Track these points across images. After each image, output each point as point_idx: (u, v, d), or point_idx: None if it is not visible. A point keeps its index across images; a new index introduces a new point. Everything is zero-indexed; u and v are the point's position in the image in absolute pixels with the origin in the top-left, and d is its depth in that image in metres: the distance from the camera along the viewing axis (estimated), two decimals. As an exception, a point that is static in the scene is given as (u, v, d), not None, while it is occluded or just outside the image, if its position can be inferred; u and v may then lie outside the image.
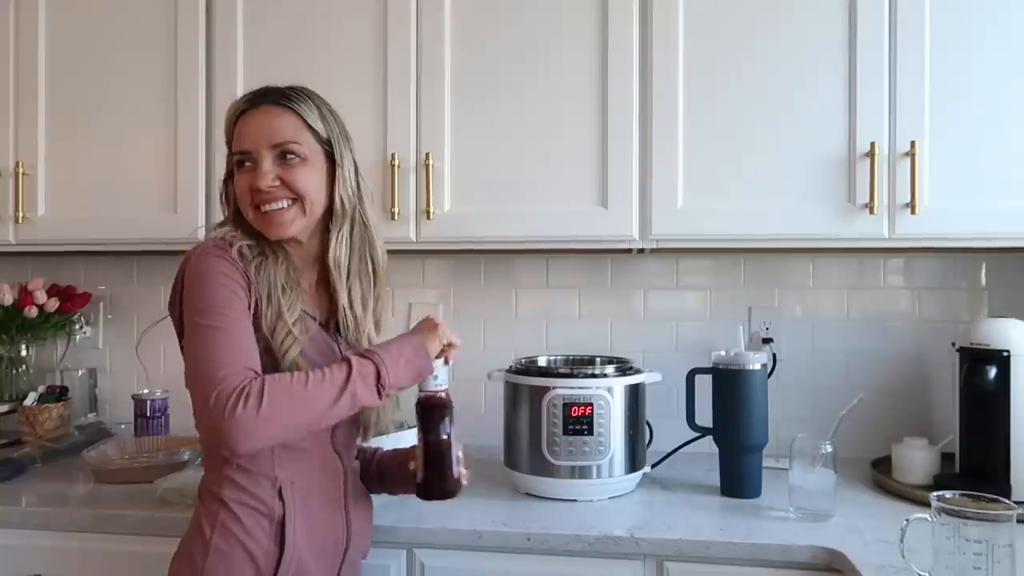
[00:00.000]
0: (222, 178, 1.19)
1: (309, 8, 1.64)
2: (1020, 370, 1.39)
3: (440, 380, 1.14)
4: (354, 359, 1.04)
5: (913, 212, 1.44)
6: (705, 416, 1.53)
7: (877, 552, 1.17)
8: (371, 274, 1.21)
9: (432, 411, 1.13)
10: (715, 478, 1.51)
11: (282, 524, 1.06)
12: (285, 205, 1.11)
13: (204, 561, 1.03)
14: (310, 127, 1.12)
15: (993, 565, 0.99)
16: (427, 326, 1.14)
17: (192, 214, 1.67)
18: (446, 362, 1.15)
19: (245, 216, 1.14)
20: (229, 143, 1.15)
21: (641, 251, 1.65)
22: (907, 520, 1.08)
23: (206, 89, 1.68)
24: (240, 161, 1.12)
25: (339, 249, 1.16)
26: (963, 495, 1.05)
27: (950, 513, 1.02)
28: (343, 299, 1.17)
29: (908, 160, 1.45)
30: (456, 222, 1.58)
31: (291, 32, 1.65)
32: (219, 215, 1.64)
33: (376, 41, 1.61)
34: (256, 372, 0.99)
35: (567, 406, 1.44)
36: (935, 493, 1.05)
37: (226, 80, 1.67)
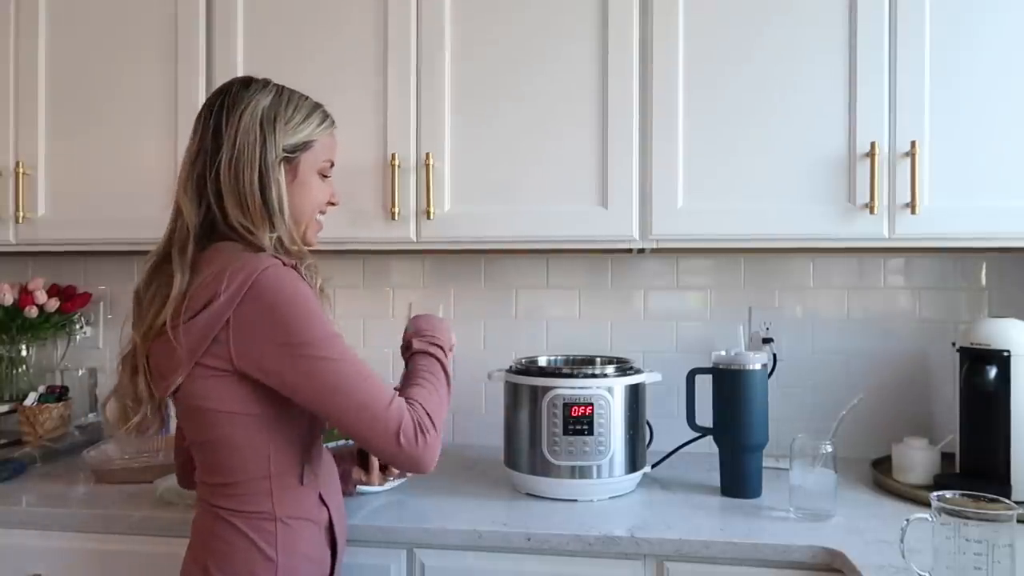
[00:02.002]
0: (258, 166, 1.07)
1: (309, 9, 1.64)
2: (1020, 370, 1.39)
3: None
4: (436, 352, 1.17)
5: (913, 212, 1.44)
6: (705, 416, 1.53)
7: (877, 552, 1.17)
8: None
9: None
10: (715, 478, 1.51)
11: (330, 528, 1.11)
12: None
13: None
14: None
15: (993, 565, 0.99)
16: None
17: (192, 214, 1.67)
18: None
19: (299, 220, 1.13)
20: (304, 143, 1.12)
21: (641, 251, 1.65)
22: (907, 520, 1.08)
23: (206, 89, 1.67)
24: (324, 171, 1.17)
25: None
26: (963, 495, 1.05)
27: (950, 513, 1.02)
28: None
29: (908, 160, 1.45)
30: (456, 222, 1.58)
31: (291, 32, 1.65)
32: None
33: (376, 42, 1.61)
34: (397, 391, 1.06)
35: (567, 406, 1.44)
36: (935, 493, 1.06)
37: (226, 80, 1.66)
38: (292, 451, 1.07)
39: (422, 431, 1.02)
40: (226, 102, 1.08)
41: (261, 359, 0.99)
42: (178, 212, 1.08)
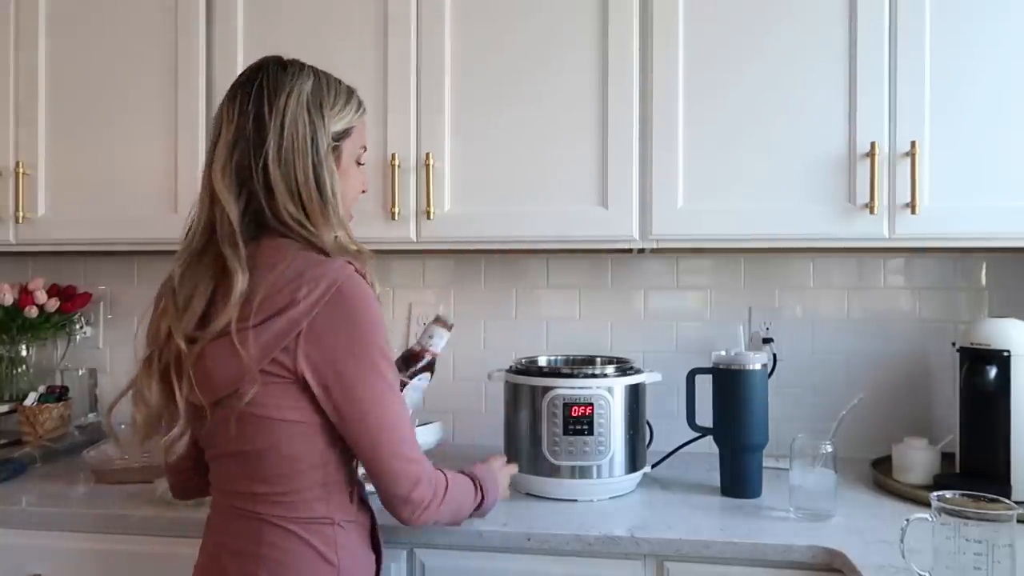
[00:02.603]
0: (311, 157, 1.01)
1: (309, 9, 1.64)
2: (1020, 370, 1.39)
3: (435, 342, 1.36)
4: (477, 487, 1.17)
5: (913, 212, 1.44)
6: (705, 416, 1.53)
7: (877, 552, 1.17)
8: None
9: (422, 362, 1.35)
10: (715, 478, 1.51)
11: (373, 531, 1.10)
12: None
13: None
14: None
15: (993, 565, 0.99)
16: (507, 472, 1.31)
17: (192, 214, 1.67)
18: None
19: (347, 202, 1.09)
20: (346, 130, 1.07)
21: (641, 251, 1.65)
22: (907, 520, 1.08)
23: (206, 88, 1.68)
24: (359, 158, 1.12)
25: None
26: (963, 495, 1.05)
27: (950, 513, 1.02)
28: None
29: (908, 160, 1.45)
30: (456, 222, 1.58)
31: (291, 32, 1.65)
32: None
33: (376, 43, 1.61)
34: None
35: (567, 406, 1.44)
36: (935, 493, 1.06)
37: (226, 79, 1.64)
38: (347, 457, 1.03)
39: (429, 504, 1.02)
40: (266, 85, 1.00)
41: (323, 367, 0.95)
42: (212, 202, 1.00)
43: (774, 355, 1.75)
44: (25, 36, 1.75)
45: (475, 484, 1.16)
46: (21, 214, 1.73)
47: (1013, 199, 1.44)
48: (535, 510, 1.39)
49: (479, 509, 1.17)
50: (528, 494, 1.48)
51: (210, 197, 1.00)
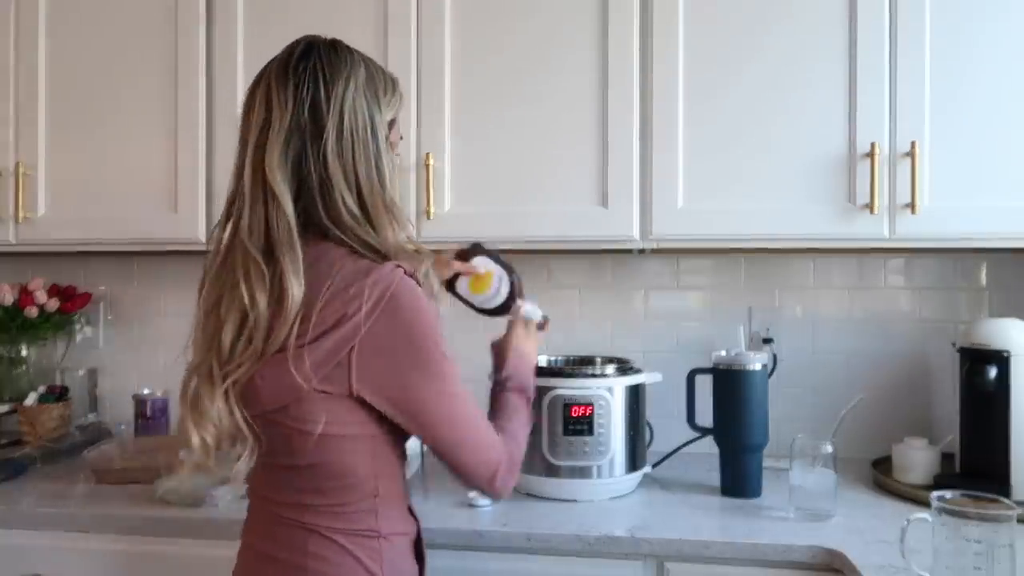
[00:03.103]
0: (373, 150, 0.94)
1: (309, 9, 1.64)
2: (1020, 370, 1.39)
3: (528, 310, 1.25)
4: (529, 394, 1.16)
5: (913, 212, 1.44)
6: (705, 416, 1.53)
7: (877, 552, 1.17)
8: None
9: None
10: (715, 478, 1.51)
11: (418, 540, 1.07)
12: None
13: None
14: None
15: (993, 565, 0.99)
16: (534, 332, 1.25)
17: (192, 214, 1.67)
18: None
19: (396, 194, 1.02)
20: (393, 119, 1.01)
21: (642, 251, 1.65)
22: (907, 520, 1.08)
23: (206, 88, 1.68)
24: (396, 148, 1.06)
25: None
26: (963, 495, 1.05)
27: (950, 513, 1.02)
28: None
29: (908, 160, 1.45)
30: (456, 222, 1.58)
31: (291, 32, 1.62)
32: (219, 215, 1.67)
33: (376, 43, 1.61)
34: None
35: (567, 406, 1.44)
36: (935, 493, 1.05)
37: (226, 79, 1.67)
38: (398, 470, 1.03)
39: (510, 473, 1.02)
40: (321, 70, 0.92)
41: (385, 383, 0.92)
42: (265, 200, 0.91)
43: (774, 355, 1.75)
44: (25, 36, 1.75)
45: (524, 398, 1.16)
46: (21, 214, 1.73)
47: (1013, 199, 1.44)
48: (535, 510, 1.39)
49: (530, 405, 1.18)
50: (528, 494, 1.48)
51: (264, 193, 0.91)
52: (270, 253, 0.91)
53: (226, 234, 0.95)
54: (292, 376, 0.88)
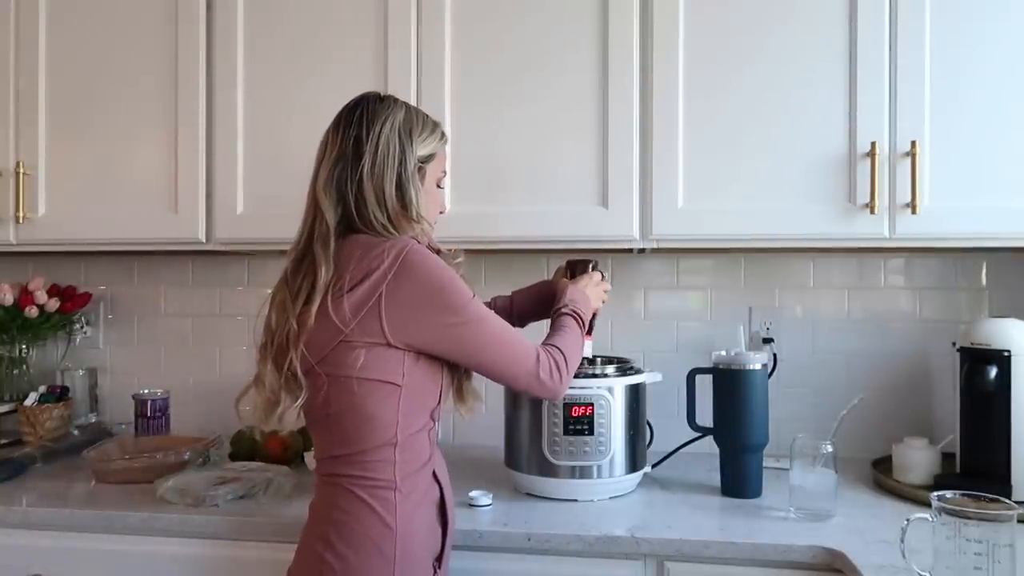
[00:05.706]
0: (397, 172, 1.17)
1: (310, 9, 1.64)
2: (1020, 370, 1.39)
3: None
4: (577, 315, 1.31)
5: (914, 212, 1.44)
6: (705, 416, 1.53)
7: (877, 552, 1.17)
8: None
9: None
10: (715, 478, 1.51)
11: (442, 505, 1.17)
12: None
13: (395, 549, 1.08)
14: None
15: (993, 565, 0.99)
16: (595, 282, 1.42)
17: (192, 214, 1.67)
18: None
19: (428, 216, 1.22)
20: (430, 155, 1.22)
21: (642, 251, 1.65)
22: (907, 520, 1.08)
23: (206, 89, 1.68)
24: (440, 180, 1.29)
25: None
26: (963, 495, 1.05)
27: (950, 513, 1.02)
28: None
29: (909, 160, 1.45)
30: (456, 222, 1.58)
31: (292, 33, 1.65)
32: (219, 215, 1.67)
33: (376, 43, 1.61)
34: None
35: (567, 406, 1.44)
36: (935, 493, 1.06)
37: (226, 80, 1.67)
38: (418, 421, 1.14)
39: (557, 368, 1.20)
40: (365, 114, 1.17)
41: (415, 329, 1.10)
42: (316, 210, 1.15)
43: (774, 355, 1.75)
44: (25, 36, 1.75)
45: (577, 322, 1.30)
46: (21, 214, 1.73)
47: (1013, 199, 1.44)
48: (535, 510, 1.39)
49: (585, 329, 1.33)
50: (528, 494, 1.48)
51: (313, 206, 1.16)
52: (308, 249, 1.14)
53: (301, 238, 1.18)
54: (333, 322, 1.08)
